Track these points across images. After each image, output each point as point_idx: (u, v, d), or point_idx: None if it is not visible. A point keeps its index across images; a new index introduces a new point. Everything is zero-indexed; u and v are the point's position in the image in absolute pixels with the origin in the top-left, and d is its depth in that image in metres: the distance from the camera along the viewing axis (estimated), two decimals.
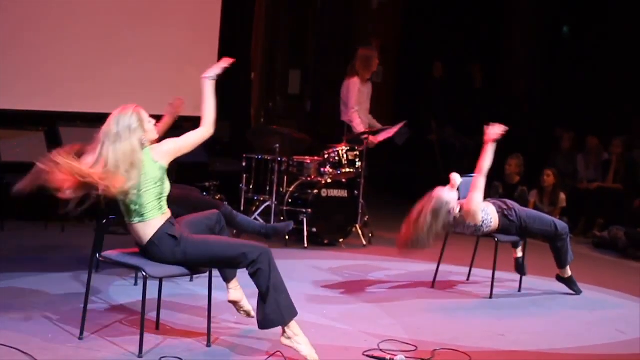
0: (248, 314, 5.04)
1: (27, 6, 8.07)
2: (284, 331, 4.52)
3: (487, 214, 6.21)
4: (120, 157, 4.34)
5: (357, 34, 11.60)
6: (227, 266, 4.68)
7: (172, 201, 4.68)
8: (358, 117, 8.55)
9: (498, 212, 6.28)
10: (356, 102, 8.55)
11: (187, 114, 6.25)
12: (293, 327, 4.52)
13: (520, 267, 6.68)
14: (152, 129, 4.53)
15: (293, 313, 4.52)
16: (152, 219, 4.47)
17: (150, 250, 4.52)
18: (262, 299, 4.48)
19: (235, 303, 5.02)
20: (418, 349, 4.96)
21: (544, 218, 6.57)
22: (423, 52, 11.98)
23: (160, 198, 4.51)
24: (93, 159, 4.38)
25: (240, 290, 5.01)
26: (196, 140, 4.59)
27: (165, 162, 4.49)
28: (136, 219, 4.48)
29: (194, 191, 6.25)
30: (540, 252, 7.13)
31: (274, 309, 4.45)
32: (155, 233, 4.48)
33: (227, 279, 4.97)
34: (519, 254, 6.69)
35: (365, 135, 8.32)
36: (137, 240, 4.56)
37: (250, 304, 5.00)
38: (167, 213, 4.56)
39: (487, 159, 6.07)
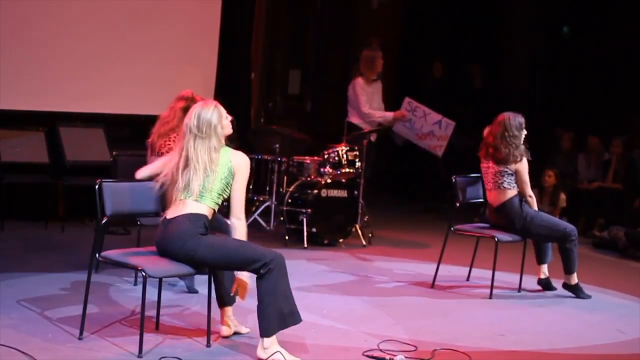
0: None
1: (26, 6, 8.07)
2: (263, 342, 4.48)
3: (513, 181, 6.41)
4: (200, 151, 4.55)
5: (357, 34, 11.60)
6: (239, 266, 4.58)
7: None
8: (373, 110, 8.60)
9: (518, 196, 6.44)
10: (366, 101, 8.60)
11: None
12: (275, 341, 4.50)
13: (547, 287, 6.68)
14: (228, 125, 4.70)
15: (296, 319, 4.52)
16: (205, 204, 4.57)
17: (176, 225, 4.53)
18: (264, 302, 4.45)
19: (231, 335, 4.97)
20: (418, 349, 4.96)
21: (554, 220, 6.69)
22: (423, 52, 11.97)
23: (220, 195, 4.62)
24: (178, 150, 4.64)
25: (234, 321, 4.97)
26: (234, 198, 4.65)
27: (234, 167, 4.64)
28: (193, 197, 4.55)
29: None
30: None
31: (275, 315, 4.45)
32: (197, 214, 4.55)
33: (225, 304, 4.92)
34: (543, 274, 6.66)
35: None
36: (171, 212, 4.58)
37: (245, 327, 5.00)
38: (212, 215, 4.64)
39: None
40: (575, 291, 6.54)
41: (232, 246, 4.55)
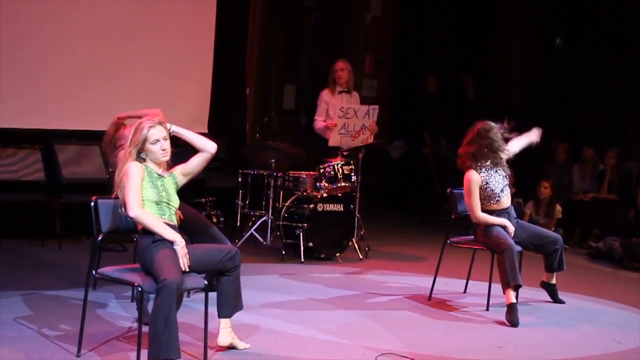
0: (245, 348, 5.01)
1: (22, 23, 8.09)
2: None
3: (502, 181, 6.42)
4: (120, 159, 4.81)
5: (351, 49, 11.63)
6: (151, 277, 4.59)
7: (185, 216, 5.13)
8: (318, 124, 8.64)
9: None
10: (320, 114, 8.66)
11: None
12: None
13: (551, 294, 6.70)
14: (156, 151, 4.72)
15: (171, 354, 4.34)
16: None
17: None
18: (150, 323, 4.39)
19: (227, 347, 4.94)
20: None
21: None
22: (417, 65, 12.01)
23: (159, 203, 4.68)
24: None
25: (231, 332, 4.94)
26: (201, 159, 4.91)
27: (177, 177, 4.85)
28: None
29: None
30: (537, 264, 7.11)
31: (153, 343, 4.34)
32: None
33: (223, 315, 4.89)
34: (547, 279, 6.67)
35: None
36: None
37: (243, 343, 4.97)
38: (168, 220, 4.69)
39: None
40: (552, 291, 6.70)
41: (156, 259, 4.53)
